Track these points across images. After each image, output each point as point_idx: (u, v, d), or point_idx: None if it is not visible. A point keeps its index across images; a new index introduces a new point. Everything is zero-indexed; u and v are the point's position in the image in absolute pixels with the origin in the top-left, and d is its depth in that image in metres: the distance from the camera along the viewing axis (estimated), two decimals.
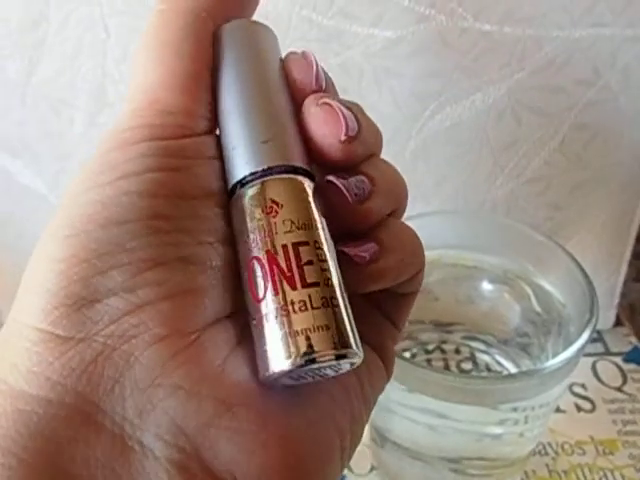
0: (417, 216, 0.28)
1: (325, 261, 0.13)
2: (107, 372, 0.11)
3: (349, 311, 0.13)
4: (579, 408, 0.32)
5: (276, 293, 0.12)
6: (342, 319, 0.12)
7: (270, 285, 0.12)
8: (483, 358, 0.29)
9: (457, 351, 0.30)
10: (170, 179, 0.13)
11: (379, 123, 0.29)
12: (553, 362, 0.20)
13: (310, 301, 0.12)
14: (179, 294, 0.12)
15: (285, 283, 0.12)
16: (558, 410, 0.32)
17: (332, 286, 0.12)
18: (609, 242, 0.34)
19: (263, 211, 0.13)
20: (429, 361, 0.30)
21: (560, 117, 0.28)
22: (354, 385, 0.14)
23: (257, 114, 0.14)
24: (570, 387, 0.33)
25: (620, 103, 0.28)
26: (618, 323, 0.37)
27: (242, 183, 0.13)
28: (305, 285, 0.12)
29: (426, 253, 0.29)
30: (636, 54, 0.26)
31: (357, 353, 0.12)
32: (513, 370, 0.28)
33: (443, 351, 0.30)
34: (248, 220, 0.13)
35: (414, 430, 0.23)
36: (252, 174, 0.13)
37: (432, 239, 0.28)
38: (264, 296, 0.12)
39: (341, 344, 0.12)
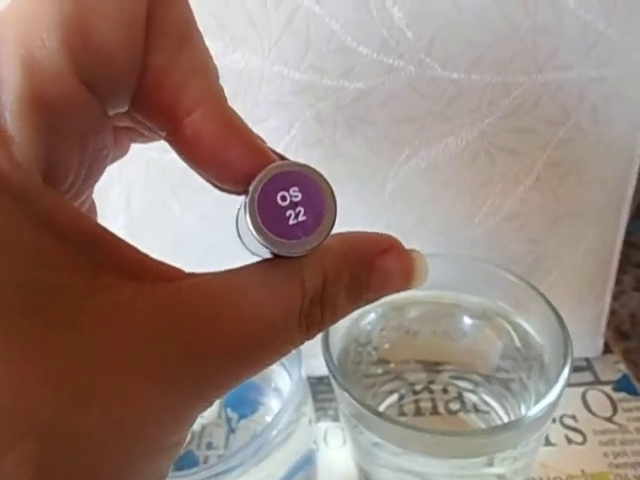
0: None
1: None
2: None
3: None
4: (570, 440, 0.32)
5: None
6: None
7: None
8: (470, 397, 0.29)
9: (445, 391, 0.30)
10: None
11: (356, 169, 0.29)
12: (528, 414, 0.20)
13: None
14: None
15: None
16: (549, 443, 0.32)
17: None
18: (592, 271, 0.34)
19: None
20: (417, 402, 0.30)
21: (533, 156, 0.29)
22: None
23: None
24: (560, 419, 0.33)
25: (590, 140, 0.28)
26: (607, 350, 0.38)
27: None
28: None
29: (404, 293, 0.29)
30: (603, 93, 0.27)
31: None
32: (499, 409, 0.28)
33: (431, 391, 0.31)
34: None
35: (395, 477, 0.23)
36: None
37: None
38: None
39: None
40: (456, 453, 0.20)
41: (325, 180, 0.13)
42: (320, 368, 0.28)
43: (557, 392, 0.20)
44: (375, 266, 0.14)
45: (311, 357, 0.27)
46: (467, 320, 0.29)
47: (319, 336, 0.26)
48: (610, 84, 0.27)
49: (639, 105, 0.27)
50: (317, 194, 0.13)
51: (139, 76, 0.13)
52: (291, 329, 0.13)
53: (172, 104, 0.13)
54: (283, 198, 0.13)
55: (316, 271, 0.13)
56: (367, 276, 0.14)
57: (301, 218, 0.13)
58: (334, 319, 0.14)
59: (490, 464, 0.22)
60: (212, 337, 0.12)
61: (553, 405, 0.20)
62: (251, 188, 0.12)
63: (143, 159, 0.29)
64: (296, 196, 0.13)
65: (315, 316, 0.13)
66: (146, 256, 0.13)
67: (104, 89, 0.13)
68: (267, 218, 0.12)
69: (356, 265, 0.14)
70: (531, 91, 0.27)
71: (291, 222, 0.12)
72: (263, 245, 0.12)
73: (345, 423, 0.25)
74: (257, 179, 0.12)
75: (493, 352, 0.28)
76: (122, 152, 0.18)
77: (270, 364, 0.13)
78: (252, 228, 0.12)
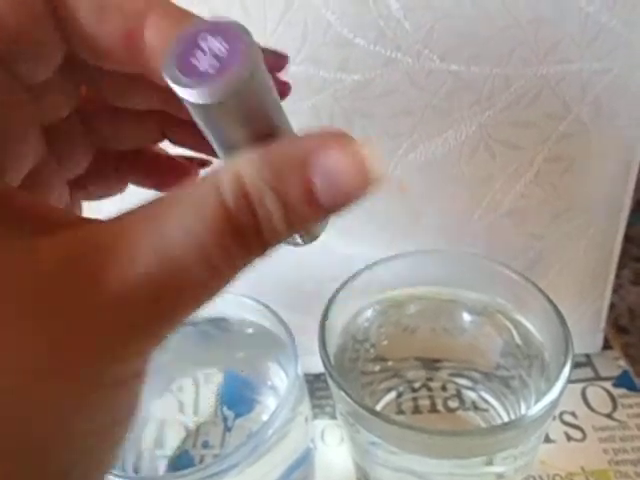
0: (394, 257, 0.28)
1: None
2: None
3: None
4: (569, 437, 0.32)
5: None
6: None
7: None
8: (469, 395, 0.29)
9: (444, 388, 0.30)
10: None
11: None
12: (529, 413, 0.19)
13: None
14: None
15: None
16: (548, 440, 0.32)
17: None
18: (592, 266, 0.34)
19: None
20: (415, 400, 0.30)
21: (534, 150, 0.28)
22: None
23: None
24: (560, 415, 0.33)
25: (592, 134, 0.28)
26: (606, 346, 0.37)
27: None
28: None
29: (403, 290, 0.29)
30: (605, 86, 0.26)
31: None
32: (498, 406, 0.28)
33: (430, 389, 0.30)
34: None
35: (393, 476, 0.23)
36: None
37: (410, 277, 0.28)
38: None
39: None
40: (455, 453, 0.20)
41: (250, 36, 0.12)
42: (318, 365, 0.27)
43: (558, 390, 0.20)
44: (310, 164, 0.12)
45: (308, 354, 0.27)
46: (467, 317, 0.28)
47: (316, 333, 0.25)
48: (612, 77, 0.26)
49: None
50: (239, 46, 0.12)
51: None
52: (213, 254, 0.11)
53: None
54: (202, 49, 0.12)
55: (233, 181, 0.12)
56: (303, 179, 0.12)
57: (216, 63, 0.12)
58: (279, 232, 0.12)
59: (490, 463, 0.21)
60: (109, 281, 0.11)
61: (554, 403, 0.20)
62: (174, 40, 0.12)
63: None
64: (218, 48, 0.12)
65: (247, 233, 0.12)
66: (44, 204, 0.12)
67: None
68: (181, 61, 0.12)
69: (287, 167, 0.12)
70: (532, 84, 0.26)
71: (204, 66, 0.12)
72: (173, 83, 0.12)
73: (342, 421, 0.25)
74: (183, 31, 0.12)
75: (493, 349, 0.28)
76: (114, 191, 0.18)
77: (214, 293, 0.12)
78: (164, 71, 0.12)
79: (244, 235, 0.12)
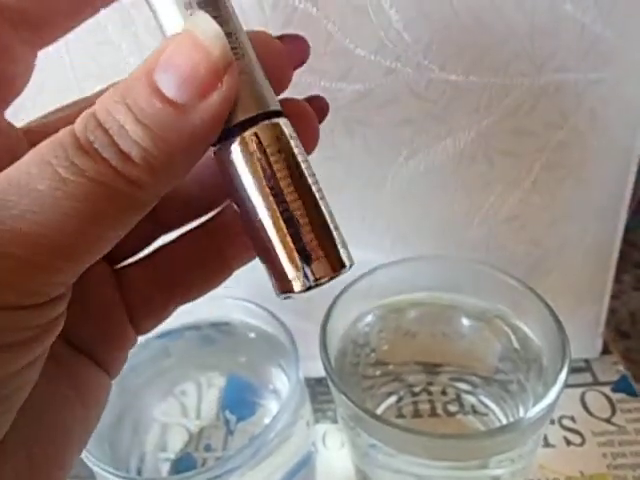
0: (397, 262, 0.28)
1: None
2: None
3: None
4: (568, 442, 0.32)
5: None
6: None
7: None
8: (469, 399, 0.29)
9: (444, 392, 0.30)
10: None
11: (354, 171, 0.29)
12: (526, 416, 0.20)
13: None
14: None
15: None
16: (547, 445, 0.32)
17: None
18: (591, 272, 0.34)
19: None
20: (415, 404, 0.30)
21: (531, 158, 0.29)
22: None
23: None
24: (559, 420, 0.33)
25: (589, 143, 0.28)
26: (605, 351, 0.38)
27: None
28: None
29: (403, 295, 0.29)
30: (600, 96, 0.27)
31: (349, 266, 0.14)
32: (497, 411, 0.28)
33: (430, 393, 0.31)
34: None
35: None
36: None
37: (410, 283, 0.29)
38: None
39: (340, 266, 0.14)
40: (454, 456, 0.20)
41: None
42: (319, 370, 0.28)
43: (555, 394, 0.20)
44: (152, 70, 0.12)
45: (310, 359, 0.27)
46: (465, 322, 0.29)
47: (317, 338, 0.26)
48: (608, 86, 0.27)
49: (637, 107, 0.27)
50: None
51: None
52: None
53: None
54: None
55: (84, 114, 0.12)
56: (147, 82, 0.12)
57: None
58: (134, 139, 0.12)
59: (488, 466, 0.22)
60: None
61: (551, 407, 0.20)
62: None
63: None
64: None
65: (100, 145, 0.12)
66: None
67: None
68: None
69: (134, 81, 0.12)
70: (529, 93, 0.27)
71: None
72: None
73: (343, 425, 0.25)
74: None
75: (492, 354, 0.28)
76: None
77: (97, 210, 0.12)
78: None
79: (93, 149, 0.12)
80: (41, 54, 0.29)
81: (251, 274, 0.18)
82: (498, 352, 0.28)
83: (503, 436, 0.20)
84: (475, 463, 0.21)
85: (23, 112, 0.17)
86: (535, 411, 0.20)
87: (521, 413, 0.26)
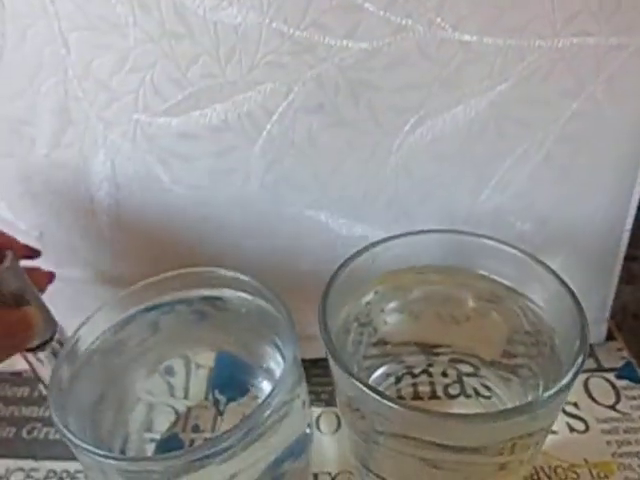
0: (400, 235, 0.27)
1: None
2: None
3: None
4: (572, 429, 0.31)
5: None
6: None
7: None
8: (470, 382, 0.28)
9: (444, 374, 0.29)
10: None
11: (357, 140, 0.28)
12: (543, 397, 0.18)
13: None
14: None
15: None
16: (551, 431, 0.31)
17: None
18: (599, 255, 0.33)
19: None
20: (415, 385, 0.29)
21: (545, 129, 0.27)
22: None
23: None
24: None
25: (605, 114, 0.27)
26: (610, 337, 0.36)
27: None
28: None
29: (408, 272, 0.28)
30: (621, 63, 0.25)
31: None
32: (502, 395, 0.27)
33: (430, 374, 0.29)
34: None
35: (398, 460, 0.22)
36: None
37: (415, 258, 0.27)
38: None
39: None
40: (464, 438, 0.19)
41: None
42: (314, 351, 0.26)
43: (571, 375, 0.19)
44: None
45: (305, 339, 0.26)
46: (472, 302, 0.27)
47: (315, 317, 0.24)
48: (629, 53, 0.25)
49: None
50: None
51: None
52: None
53: None
54: None
55: None
56: None
57: None
58: None
59: (497, 451, 0.20)
60: None
61: (567, 388, 0.19)
62: None
63: (130, 122, 0.27)
64: None
65: None
66: None
67: None
68: None
69: None
70: (546, 57, 0.25)
71: None
72: None
73: (343, 407, 0.24)
74: None
75: (499, 336, 0.26)
76: None
77: None
78: None
79: None
80: (23, 2, 0.27)
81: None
82: (506, 334, 0.26)
83: (516, 418, 0.18)
84: (485, 446, 0.19)
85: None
86: (551, 392, 0.19)
87: (528, 398, 0.25)
